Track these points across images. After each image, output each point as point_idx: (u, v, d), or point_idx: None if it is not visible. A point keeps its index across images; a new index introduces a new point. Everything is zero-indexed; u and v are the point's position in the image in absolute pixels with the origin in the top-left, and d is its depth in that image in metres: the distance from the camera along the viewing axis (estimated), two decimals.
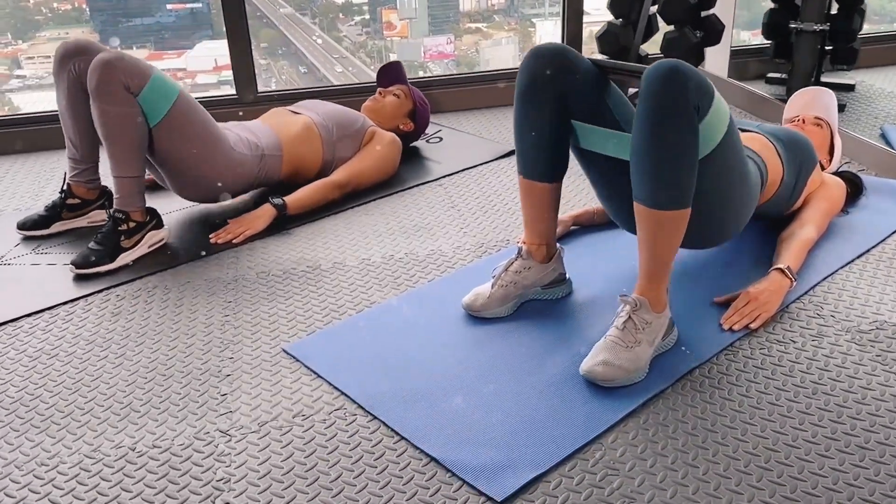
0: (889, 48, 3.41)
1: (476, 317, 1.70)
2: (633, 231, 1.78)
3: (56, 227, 2.16)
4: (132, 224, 1.99)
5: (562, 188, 1.71)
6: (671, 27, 2.85)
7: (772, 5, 3.03)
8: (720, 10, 2.90)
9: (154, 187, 2.38)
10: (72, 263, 1.93)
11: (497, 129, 2.94)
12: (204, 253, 2.04)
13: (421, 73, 3.21)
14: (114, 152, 1.93)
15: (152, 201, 2.11)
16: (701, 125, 1.42)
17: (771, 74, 3.23)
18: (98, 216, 2.20)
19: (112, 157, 1.93)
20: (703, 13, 2.84)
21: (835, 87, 3.14)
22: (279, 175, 2.27)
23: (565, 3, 3.16)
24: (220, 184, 2.12)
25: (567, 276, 1.78)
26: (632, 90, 2.64)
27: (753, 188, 1.66)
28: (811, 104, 2.23)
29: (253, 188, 2.24)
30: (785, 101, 2.94)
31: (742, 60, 3.26)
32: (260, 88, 2.98)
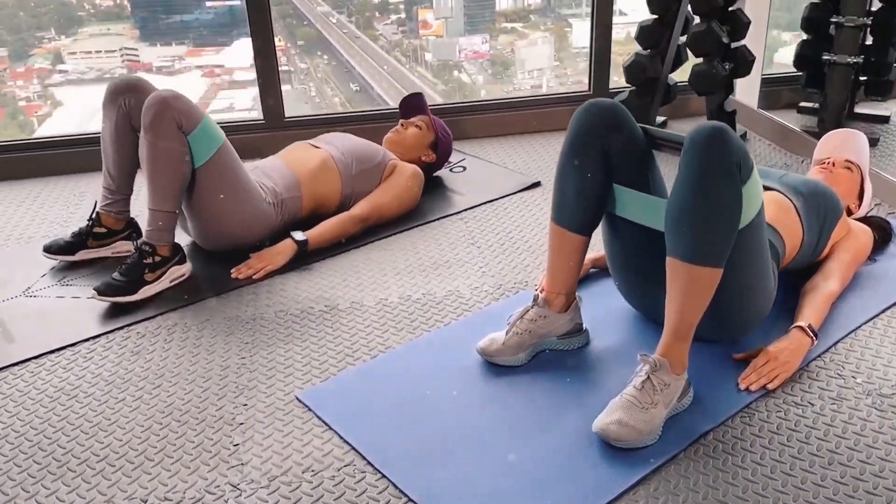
0: None
1: (490, 362, 1.70)
2: (642, 309, 1.80)
3: (81, 255, 2.20)
4: (157, 258, 2.02)
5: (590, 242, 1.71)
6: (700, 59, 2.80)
7: (804, 36, 2.98)
8: (750, 40, 2.86)
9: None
10: (94, 290, 1.96)
11: (521, 157, 2.93)
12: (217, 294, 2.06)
13: (440, 101, 3.20)
14: (156, 185, 1.97)
15: (176, 234, 2.12)
16: (742, 188, 1.44)
17: (803, 104, 3.18)
18: (122, 247, 2.24)
19: (153, 189, 1.97)
20: (734, 44, 2.80)
21: (868, 118, 3.09)
22: (300, 214, 2.29)
23: (594, 3, 3.07)
24: (243, 236, 2.16)
25: (584, 326, 1.77)
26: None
27: (770, 281, 1.67)
28: (842, 146, 2.19)
29: (274, 234, 2.24)
30: (816, 134, 2.90)
31: (773, 89, 3.21)
32: (289, 113, 3.00)
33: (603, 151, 1.63)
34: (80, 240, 2.19)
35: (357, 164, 2.36)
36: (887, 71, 2.86)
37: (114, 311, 1.97)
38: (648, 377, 1.48)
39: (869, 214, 2.19)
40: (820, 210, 1.86)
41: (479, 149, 3.01)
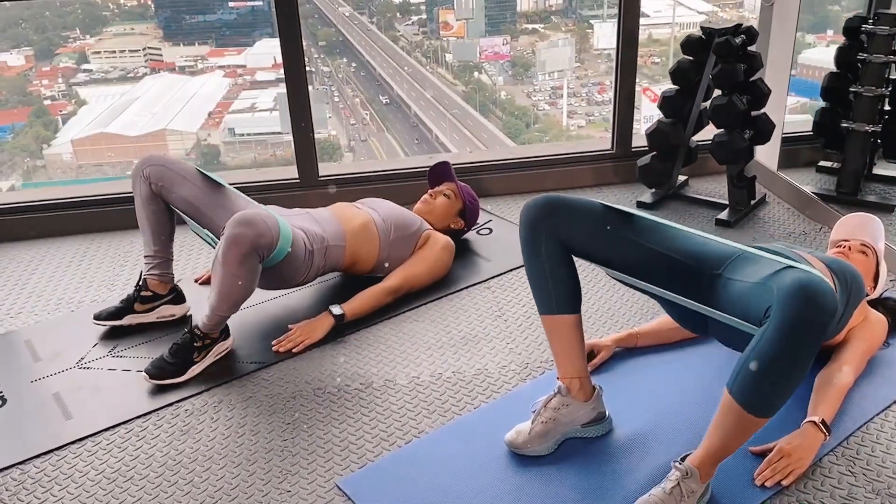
0: None
1: (517, 454, 1.80)
2: (691, 328, 1.88)
3: (128, 319, 2.34)
4: (207, 341, 2.14)
5: (582, 319, 1.81)
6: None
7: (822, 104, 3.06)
8: (770, 107, 2.94)
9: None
10: (146, 371, 2.09)
11: None
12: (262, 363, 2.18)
13: (464, 160, 3.29)
14: (222, 297, 2.08)
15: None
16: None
17: (822, 163, 3.26)
18: (166, 311, 2.37)
19: (219, 298, 2.08)
20: (754, 113, 2.88)
21: (886, 179, 3.16)
22: (342, 263, 2.40)
23: (622, 3, 3.07)
24: (295, 279, 2.29)
25: (607, 413, 1.87)
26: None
27: None
28: (858, 229, 2.26)
29: (320, 275, 2.37)
30: (834, 199, 2.99)
31: (793, 148, 3.28)
32: (322, 170, 3.12)
33: (552, 237, 1.74)
34: (128, 304, 2.33)
35: (395, 230, 2.48)
36: None
37: (163, 386, 2.09)
38: (678, 484, 1.58)
39: (883, 296, 2.27)
40: (847, 287, 1.92)
41: (503, 208, 3.11)
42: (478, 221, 2.95)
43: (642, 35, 3.13)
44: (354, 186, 3.12)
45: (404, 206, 2.61)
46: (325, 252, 2.32)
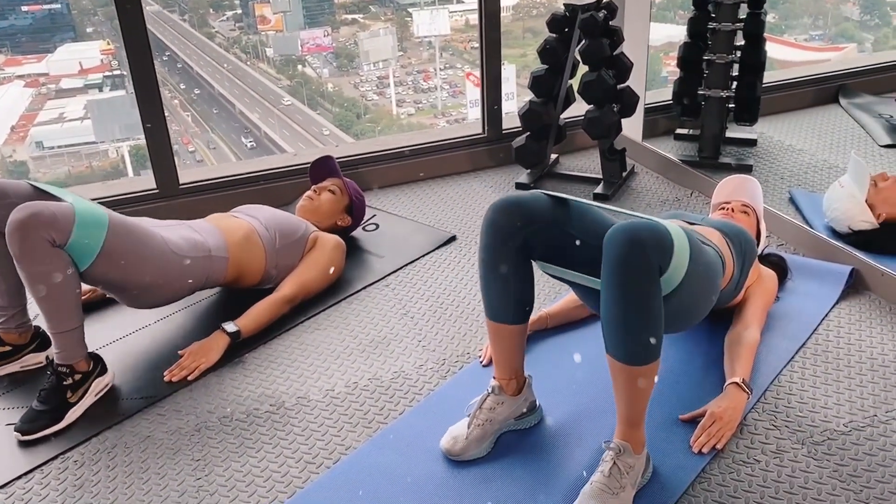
0: (787, 95, 3.64)
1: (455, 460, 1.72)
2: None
3: None
4: (77, 376, 1.89)
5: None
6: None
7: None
8: (632, 80, 3.01)
9: (90, 307, 2.25)
10: (16, 431, 1.81)
11: (429, 207, 2.95)
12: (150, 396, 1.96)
13: (348, 152, 3.16)
14: (49, 310, 1.82)
15: (87, 333, 1.98)
16: (664, 277, 1.50)
17: (679, 131, 3.39)
18: (32, 360, 2.07)
19: (48, 316, 1.83)
20: (619, 87, 2.94)
21: (738, 142, 3.34)
22: (224, 277, 2.19)
23: (483, 54, 3.10)
24: (168, 290, 2.05)
25: (537, 403, 1.83)
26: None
27: (716, 280, 1.74)
28: (738, 190, 2.35)
29: (198, 290, 2.16)
30: (697, 164, 3.12)
31: (652, 118, 3.39)
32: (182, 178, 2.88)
33: (519, 246, 1.67)
34: None
35: (280, 238, 2.30)
36: (755, 102, 3.10)
37: (43, 438, 1.83)
38: (614, 462, 1.56)
39: (765, 252, 2.38)
40: (742, 249, 1.99)
41: (385, 201, 3.01)
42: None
43: (459, 22, 3.12)
44: (219, 192, 2.90)
45: (283, 208, 2.45)
46: (209, 261, 2.11)
